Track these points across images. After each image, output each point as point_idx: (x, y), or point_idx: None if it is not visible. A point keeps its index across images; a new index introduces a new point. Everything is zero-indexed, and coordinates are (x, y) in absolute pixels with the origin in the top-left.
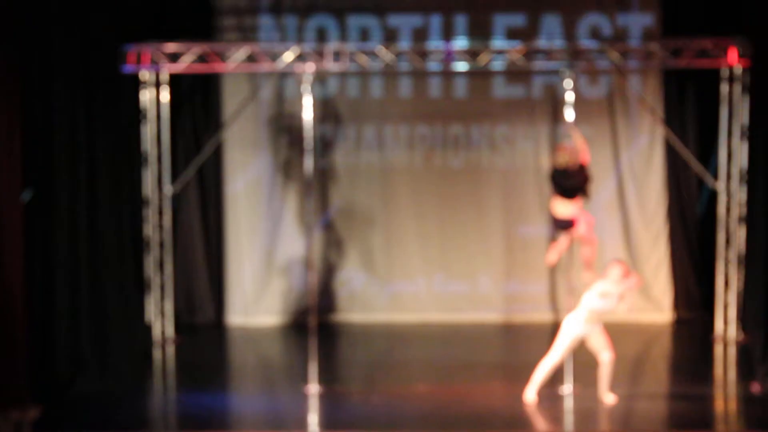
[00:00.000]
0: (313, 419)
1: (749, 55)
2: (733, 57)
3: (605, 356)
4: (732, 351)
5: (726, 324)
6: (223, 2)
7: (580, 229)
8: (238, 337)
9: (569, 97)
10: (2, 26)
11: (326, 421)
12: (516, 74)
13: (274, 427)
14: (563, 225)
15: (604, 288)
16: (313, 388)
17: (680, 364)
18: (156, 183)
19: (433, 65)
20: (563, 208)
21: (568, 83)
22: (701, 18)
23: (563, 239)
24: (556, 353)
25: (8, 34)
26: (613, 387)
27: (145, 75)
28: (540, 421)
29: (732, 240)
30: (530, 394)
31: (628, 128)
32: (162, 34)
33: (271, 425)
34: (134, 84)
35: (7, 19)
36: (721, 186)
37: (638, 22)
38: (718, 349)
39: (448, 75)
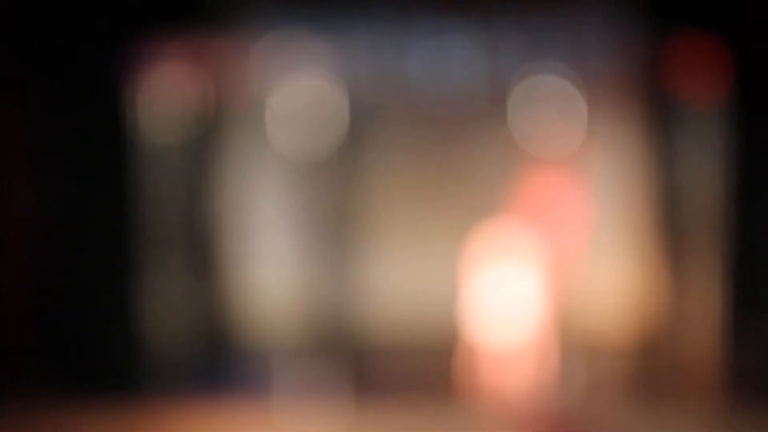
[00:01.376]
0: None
1: (732, 77)
2: (712, 82)
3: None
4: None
5: (700, 340)
6: (226, 8)
7: None
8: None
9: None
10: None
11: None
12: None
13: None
14: None
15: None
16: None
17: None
18: (156, 187)
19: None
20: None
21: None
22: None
23: None
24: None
25: (11, 39)
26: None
27: (145, 77)
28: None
29: (707, 257)
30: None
31: (600, 144)
32: (162, 36)
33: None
34: (133, 89)
35: (8, 23)
36: (697, 204)
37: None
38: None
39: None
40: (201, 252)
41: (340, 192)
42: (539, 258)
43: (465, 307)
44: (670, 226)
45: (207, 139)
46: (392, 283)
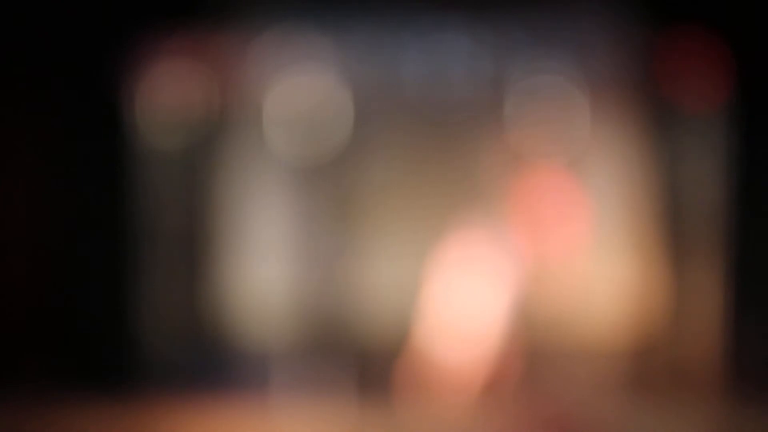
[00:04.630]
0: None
1: (731, 83)
2: (712, 88)
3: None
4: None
5: (700, 341)
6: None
7: None
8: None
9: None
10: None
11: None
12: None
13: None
14: None
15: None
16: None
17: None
18: (154, 188)
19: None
20: None
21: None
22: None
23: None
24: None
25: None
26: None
27: (142, 77)
28: None
29: (709, 259)
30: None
31: (607, 147)
32: (161, 35)
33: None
34: (134, 86)
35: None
36: (699, 206)
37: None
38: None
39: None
40: (199, 250)
41: (339, 192)
42: (529, 263)
43: (446, 312)
44: (672, 228)
45: (207, 137)
46: (390, 284)
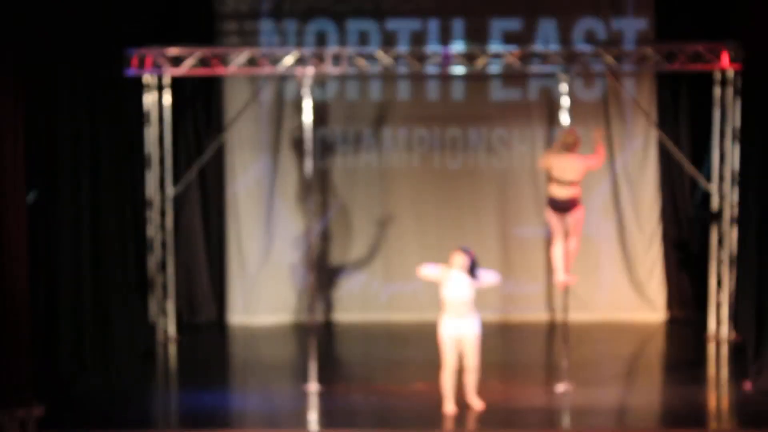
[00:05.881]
0: (313, 417)
1: (741, 59)
2: (725, 61)
3: (470, 362)
4: (724, 350)
5: (718, 323)
6: (224, 7)
7: (578, 213)
8: (239, 336)
9: (565, 100)
10: (4, 29)
11: (325, 419)
12: (512, 77)
13: (275, 425)
14: (562, 206)
15: (455, 277)
16: (313, 387)
17: (673, 363)
18: (158, 185)
19: (431, 68)
20: (560, 191)
21: (563, 87)
22: (694, 22)
23: (559, 245)
24: (445, 361)
25: (10, 37)
26: (608, 384)
27: (148, 78)
28: (536, 419)
29: (724, 240)
30: (449, 407)
31: (623, 131)
32: (165, 39)
33: (271, 423)
34: (137, 87)
35: (8, 22)
36: (713, 187)
37: (632, 26)
38: (711, 348)
39: (445, 78)
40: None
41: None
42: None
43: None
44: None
45: (206, 138)
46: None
